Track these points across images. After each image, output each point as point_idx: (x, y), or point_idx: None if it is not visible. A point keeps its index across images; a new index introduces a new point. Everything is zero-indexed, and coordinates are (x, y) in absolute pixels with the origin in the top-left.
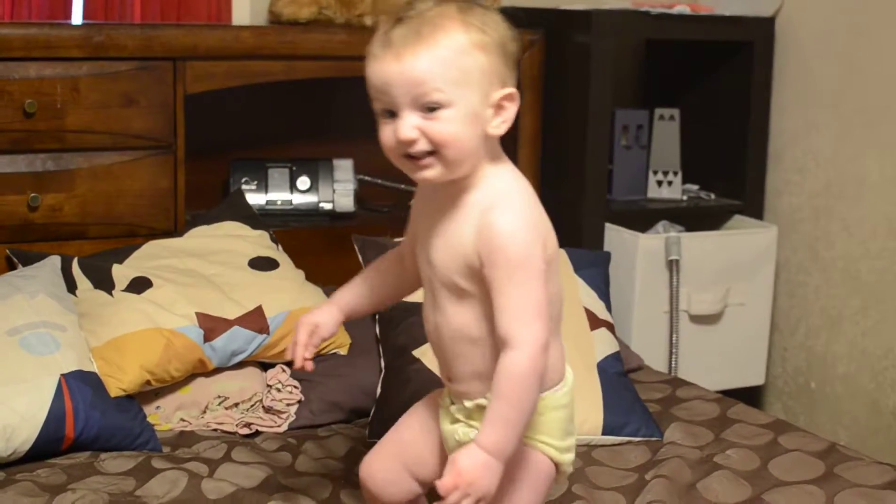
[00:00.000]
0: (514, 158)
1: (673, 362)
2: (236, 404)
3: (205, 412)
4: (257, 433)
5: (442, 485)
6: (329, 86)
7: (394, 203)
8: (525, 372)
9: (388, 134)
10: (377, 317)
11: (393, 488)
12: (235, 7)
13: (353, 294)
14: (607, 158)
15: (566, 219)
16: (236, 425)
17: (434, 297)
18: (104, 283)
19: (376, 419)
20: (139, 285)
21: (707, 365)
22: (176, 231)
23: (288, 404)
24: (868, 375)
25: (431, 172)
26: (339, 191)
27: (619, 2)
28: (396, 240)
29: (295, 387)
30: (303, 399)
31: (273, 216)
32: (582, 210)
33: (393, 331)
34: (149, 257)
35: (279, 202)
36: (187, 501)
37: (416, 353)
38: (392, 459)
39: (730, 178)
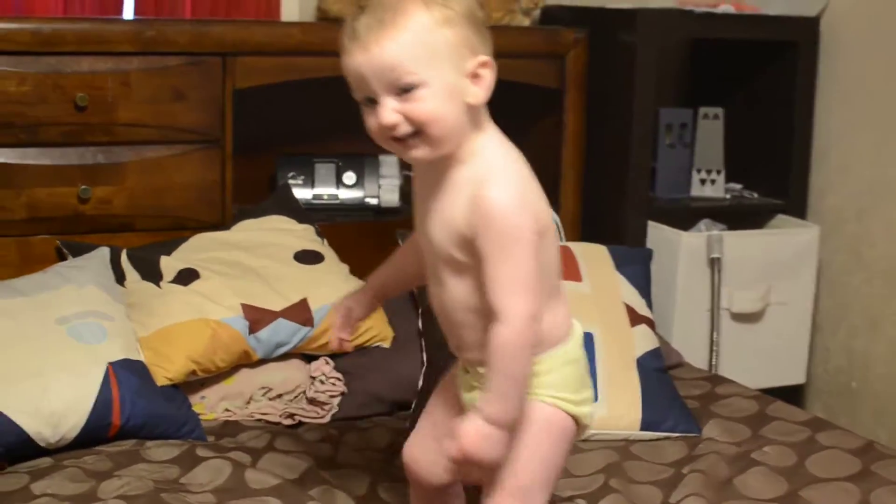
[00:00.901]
0: (559, 156)
1: (713, 360)
2: (280, 395)
3: (249, 403)
4: (300, 424)
5: (450, 454)
6: None
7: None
8: (513, 343)
9: (371, 121)
10: (420, 310)
11: (436, 468)
12: (284, 4)
13: (383, 276)
14: (651, 156)
15: (609, 216)
16: (280, 416)
17: (436, 272)
18: (152, 274)
19: (417, 411)
20: (186, 277)
21: (748, 363)
22: (223, 224)
23: (331, 396)
24: None
25: (419, 152)
26: (384, 186)
27: (664, 1)
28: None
29: (338, 379)
30: (346, 391)
31: (319, 211)
32: (625, 207)
33: (435, 325)
34: (196, 249)
35: (325, 197)
36: (231, 490)
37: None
38: (428, 439)
39: (773, 177)
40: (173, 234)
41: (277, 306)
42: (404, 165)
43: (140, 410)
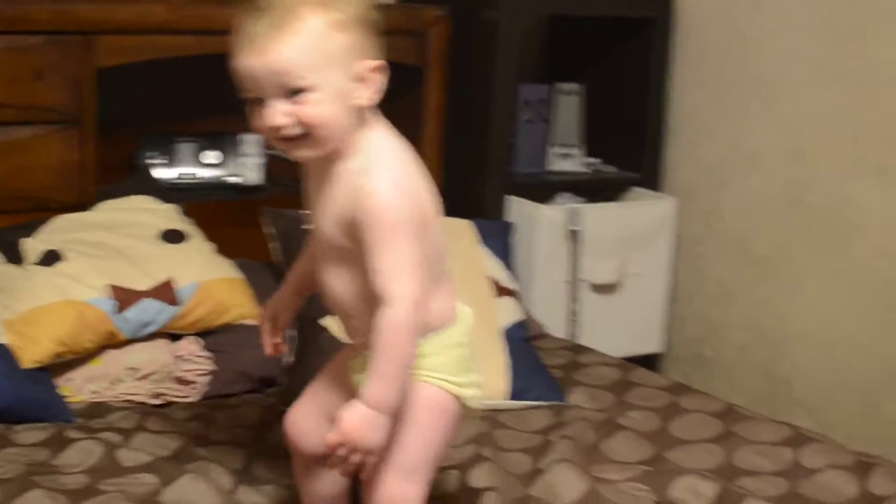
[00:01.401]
0: (420, 133)
1: (574, 330)
2: (147, 375)
3: (116, 384)
4: (169, 404)
5: (328, 441)
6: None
7: (299, 176)
8: (398, 327)
9: (259, 120)
10: None
11: (314, 438)
12: None
13: (300, 271)
14: (511, 132)
15: (470, 191)
16: (148, 396)
17: (325, 260)
18: (14, 256)
19: (288, 387)
20: (50, 258)
21: (607, 333)
22: (85, 205)
23: (198, 374)
24: (760, 344)
25: (305, 152)
26: (246, 164)
27: None
28: (303, 211)
29: (206, 357)
30: (214, 369)
31: (182, 190)
32: (486, 182)
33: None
34: (59, 231)
35: (188, 176)
36: (104, 470)
37: (324, 322)
38: (311, 411)
39: (629, 151)
40: (35, 215)
41: (143, 286)
42: (267, 144)
43: (6, 394)
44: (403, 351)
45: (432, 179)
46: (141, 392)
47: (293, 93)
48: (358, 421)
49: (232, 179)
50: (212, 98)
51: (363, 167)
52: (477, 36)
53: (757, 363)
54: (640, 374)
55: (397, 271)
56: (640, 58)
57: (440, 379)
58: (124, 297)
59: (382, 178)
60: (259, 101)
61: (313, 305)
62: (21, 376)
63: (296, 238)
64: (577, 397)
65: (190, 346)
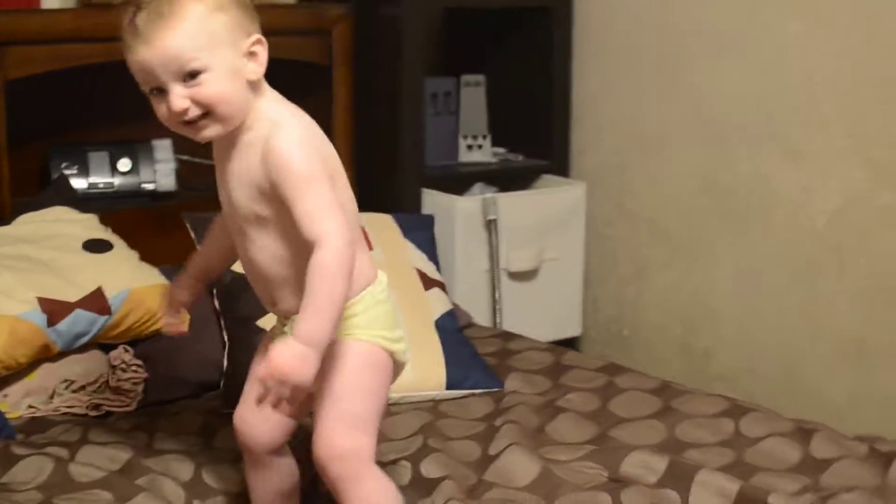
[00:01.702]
0: (329, 129)
1: (497, 318)
2: (83, 387)
3: (52, 397)
4: (108, 414)
5: (260, 374)
6: None
7: (214, 180)
8: (332, 264)
9: (162, 109)
10: (215, 291)
11: (265, 427)
12: None
13: (201, 257)
14: (420, 126)
15: (385, 186)
16: (86, 407)
17: (243, 234)
18: None
19: (227, 390)
20: None
21: (528, 319)
22: (3, 219)
23: (135, 383)
24: (677, 321)
25: (210, 131)
26: (159, 171)
27: None
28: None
29: (139, 366)
30: (148, 377)
31: (96, 200)
32: (400, 177)
33: (234, 303)
34: None
35: (101, 185)
36: (57, 486)
37: (260, 322)
38: (254, 404)
39: (536, 139)
40: None
41: (73, 297)
42: (178, 149)
43: None
44: (336, 287)
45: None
46: (79, 404)
47: (188, 76)
48: (289, 354)
49: (146, 186)
50: (120, 106)
51: (265, 132)
52: (380, 32)
53: (675, 339)
54: (572, 356)
55: (322, 211)
56: (542, 46)
57: (372, 334)
58: (55, 310)
59: (285, 137)
60: (158, 92)
61: (245, 305)
62: None
63: None
64: (513, 383)
65: (123, 356)
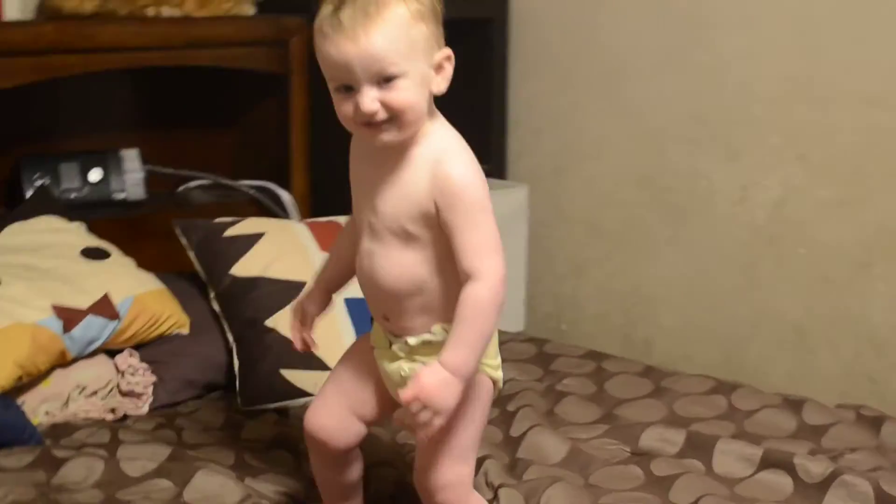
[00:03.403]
0: (287, 139)
1: None
2: (95, 392)
3: (67, 403)
4: (124, 417)
5: (404, 395)
6: (108, 78)
7: (180, 187)
8: (488, 301)
9: (346, 107)
10: (213, 294)
11: (344, 433)
12: (7, 3)
13: (330, 269)
14: None
15: (340, 192)
16: (102, 411)
17: (378, 243)
18: None
19: (245, 388)
20: None
21: None
22: None
23: (145, 386)
24: (617, 312)
25: (390, 136)
26: (129, 180)
27: None
28: (216, 220)
29: (146, 369)
30: (157, 380)
31: (71, 210)
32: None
33: (237, 306)
34: None
35: (73, 195)
36: (115, 482)
37: (269, 322)
38: (338, 406)
39: (474, 144)
40: None
41: (84, 304)
42: (146, 159)
43: None
44: (488, 324)
45: (297, 181)
46: (95, 408)
47: (384, 80)
48: (437, 381)
49: (117, 195)
50: (87, 116)
51: (436, 154)
52: None
53: (615, 329)
54: (553, 345)
55: (486, 248)
56: (481, 56)
57: (482, 365)
58: (70, 317)
59: (461, 164)
60: (345, 89)
61: (250, 307)
62: None
63: (212, 245)
64: (509, 372)
65: (130, 360)
